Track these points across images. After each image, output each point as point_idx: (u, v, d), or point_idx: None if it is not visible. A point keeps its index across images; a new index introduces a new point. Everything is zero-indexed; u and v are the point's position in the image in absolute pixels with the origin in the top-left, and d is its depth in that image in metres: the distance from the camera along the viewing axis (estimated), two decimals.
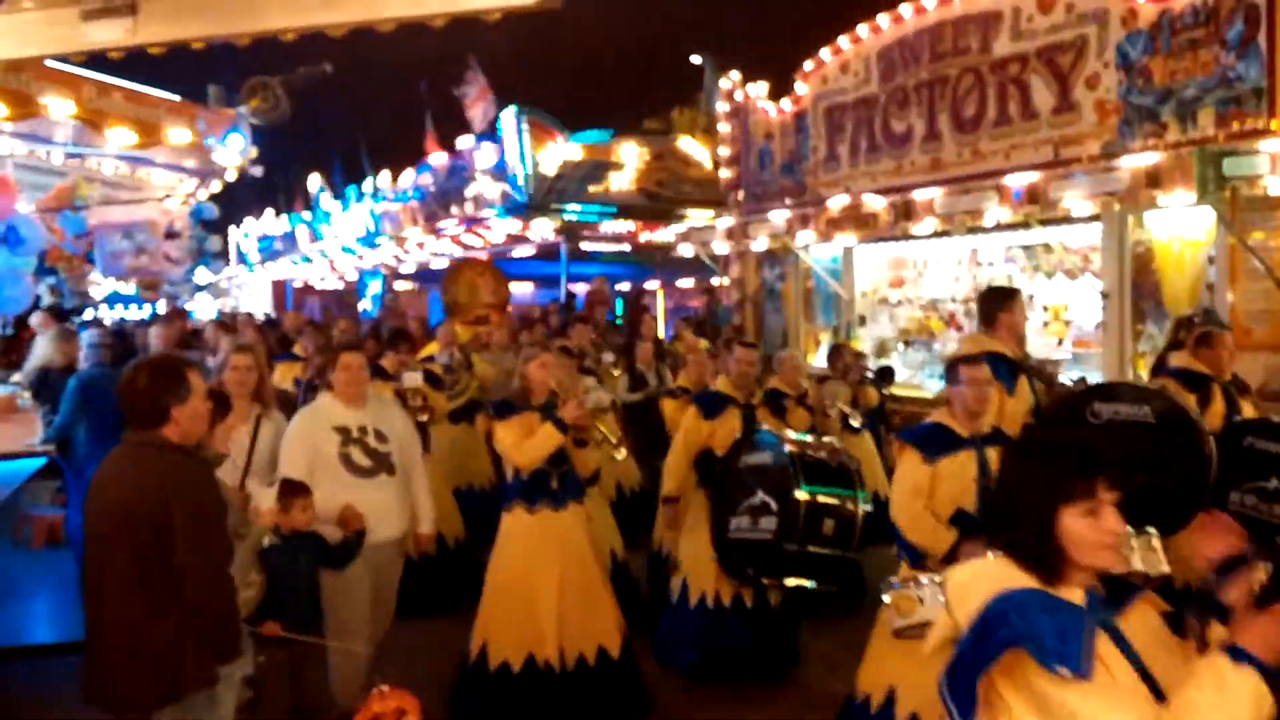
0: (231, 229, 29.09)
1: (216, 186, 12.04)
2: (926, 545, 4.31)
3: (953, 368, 4.64)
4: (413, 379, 7.34)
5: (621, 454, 5.87)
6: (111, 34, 4.23)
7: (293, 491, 4.56)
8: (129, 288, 17.20)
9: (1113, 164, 8.23)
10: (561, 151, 15.71)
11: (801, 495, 5.26)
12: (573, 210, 15.87)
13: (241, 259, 30.14)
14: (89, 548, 3.41)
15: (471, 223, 17.10)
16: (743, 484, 5.62)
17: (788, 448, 5.53)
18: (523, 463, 5.14)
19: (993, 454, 4.39)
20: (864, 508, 5.44)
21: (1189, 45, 8.29)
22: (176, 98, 8.95)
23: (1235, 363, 7.90)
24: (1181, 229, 8.53)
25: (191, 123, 8.63)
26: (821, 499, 5.30)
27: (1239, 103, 7.95)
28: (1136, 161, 7.99)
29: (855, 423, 7.85)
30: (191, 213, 13.77)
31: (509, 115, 15.55)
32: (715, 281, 15.56)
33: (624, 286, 19.50)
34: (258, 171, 10.48)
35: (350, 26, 4.11)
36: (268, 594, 4.43)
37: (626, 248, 17.65)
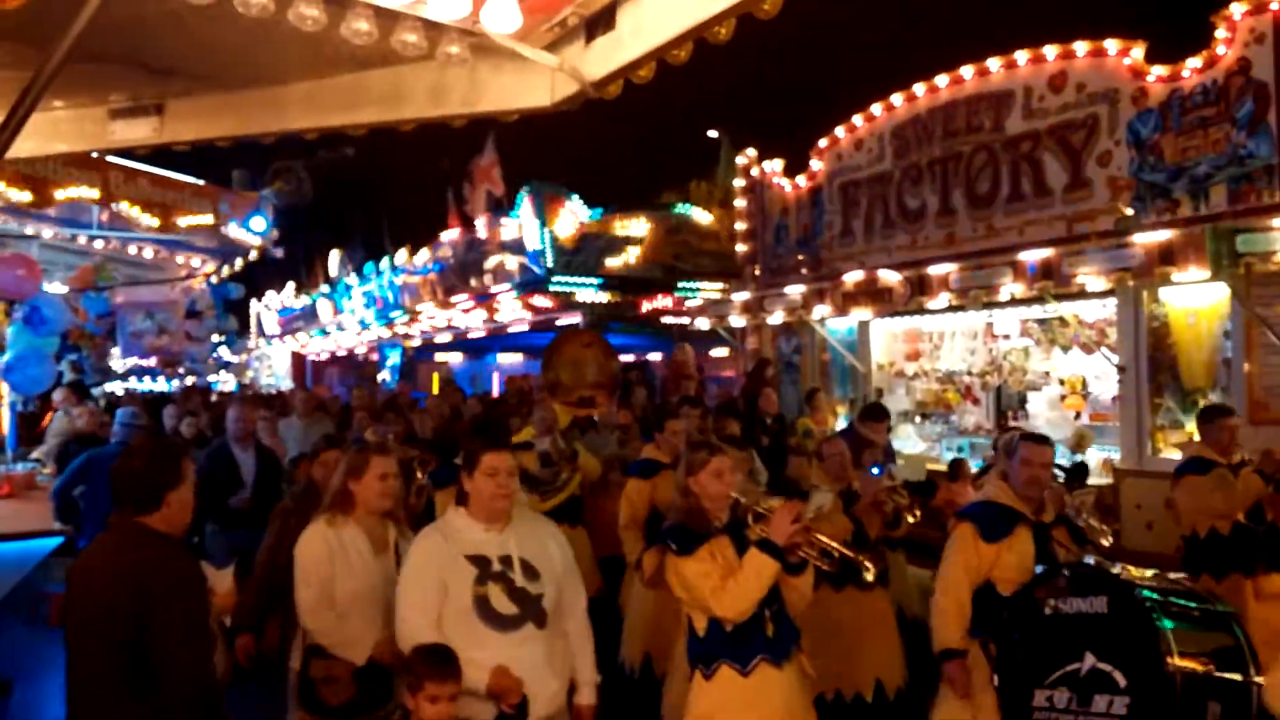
0: (252, 302, 29.50)
1: (238, 265, 12.26)
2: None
3: None
4: (543, 443, 6.13)
5: (871, 576, 4.11)
6: (138, 132, 4.35)
7: (431, 668, 3.35)
8: (150, 361, 17.41)
9: (1126, 240, 8.26)
10: (579, 225, 15.90)
11: (1177, 663, 3.70)
12: (588, 285, 15.96)
13: (262, 332, 30.52)
14: (68, 634, 3.33)
15: (489, 297, 17.27)
16: (1055, 640, 4.02)
17: (1138, 588, 3.96)
18: (731, 613, 3.71)
19: None
20: (1258, 677, 3.71)
21: (1199, 123, 8.38)
22: (200, 182, 9.15)
23: (1251, 437, 7.90)
24: (1196, 303, 8.53)
25: (215, 206, 8.81)
26: (1200, 667, 3.72)
27: (1251, 179, 8.01)
28: (1149, 238, 8.02)
29: (1106, 541, 5.16)
30: (214, 292, 13.97)
31: (526, 191, 15.80)
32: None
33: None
34: (279, 252, 10.64)
35: (372, 127, 4.21)
36: None
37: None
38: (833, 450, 5.95)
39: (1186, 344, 8.66)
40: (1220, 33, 8.20)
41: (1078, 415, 10.10)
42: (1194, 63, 8.42)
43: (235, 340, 19.39)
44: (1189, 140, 8.48)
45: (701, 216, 16.87)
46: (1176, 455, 8.62)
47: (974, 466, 9.89)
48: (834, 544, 3.90)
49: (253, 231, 9.25)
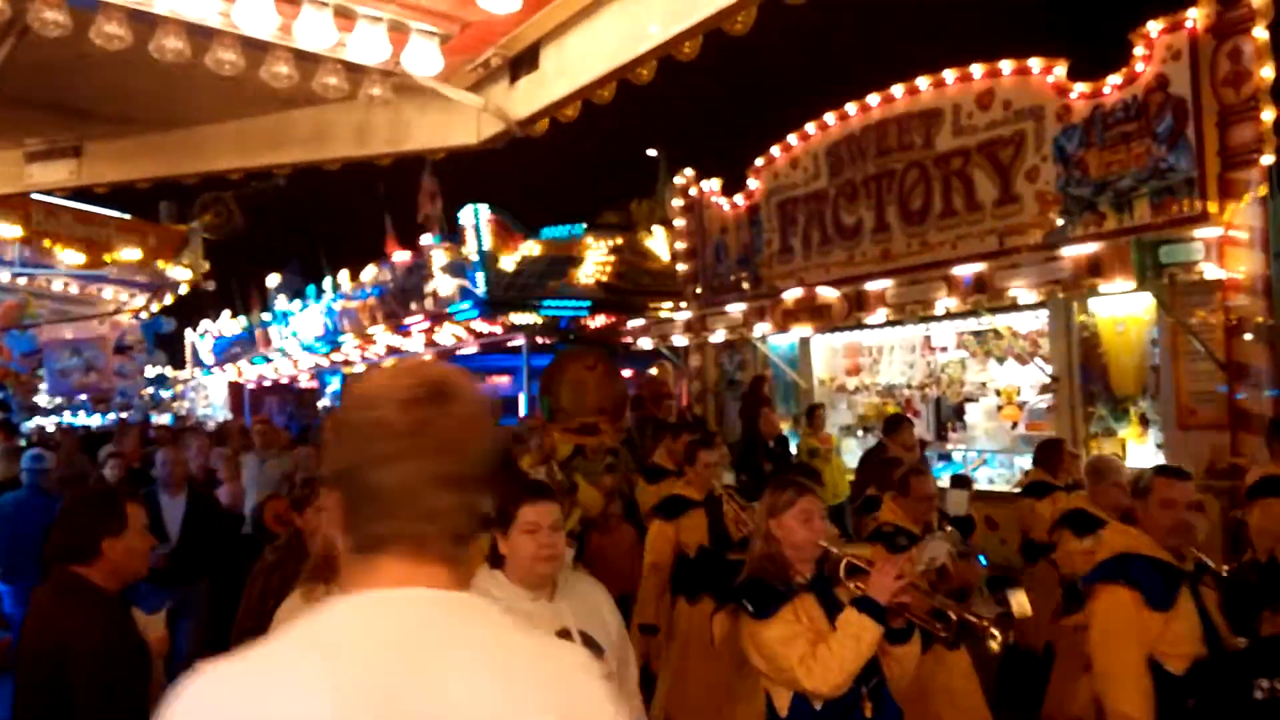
0: (187, 331, 28.94)
1: (169, 299, 11.96)
2: None
3: None
4: (538, 473, 5.53)
5: (996, 644, 3.25)
6: (55, 175, 4.24)
7: None
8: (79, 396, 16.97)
9: (1055, 253, 8.44)
10: (521, 248, 15.85)
11: None
12: (548, 307, 15.88)
13: (198, 361, 29.90)
14: (15, 684, 3.29)
15: (435, 319, 17.14)
16: None
17: None
18: (824, 687, 3.07)
19: None
20: None
21: (1122, 139, 8.60)
22: (127, 216, 8.92)
23: (1181, 443, 8.09)
24: (1124, 313, 8.74)
25: (143, 240, 8.59)
26: None
27: (1172, 192, 8.23)
28: (1077, 250, 8.20)
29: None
30: (145, 327, 13.63)
31: (468, 213, 15.72)
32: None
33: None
34: (210, 286, 10.41)
35: (297, 166, 4.15)
36: None
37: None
38: (924, 491, 4.82)
39: (1116, 353, 8.87)
40: (1139, 50, 8.44)
41: (1014, 425, 10.27)
42: (1114, 79, 8.65)
43: (167, 381, 18.92)
44: (1112, 155, 8.70)
45: (644, 237, 16.91)
46: None
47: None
48: (950, 603, 3.18)
49: (183, 265, 9.05)
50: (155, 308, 12.31)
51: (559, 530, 3.04)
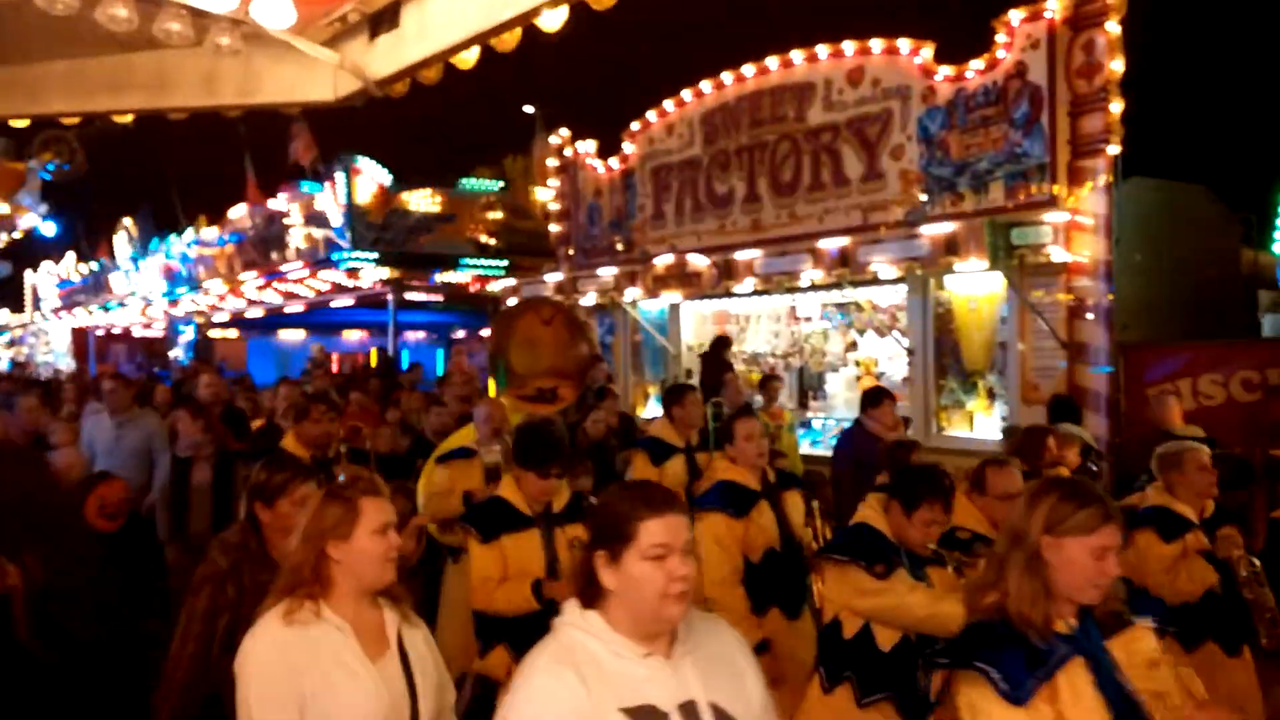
0: (27, 273, 27.12)
1: (2, 241, 11.12)
2: None
3: None
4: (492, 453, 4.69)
5: None
6: None
7: None
8: None
9: (915, 231, 8.71)
10: (389, 201, 15.45)
11: None
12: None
13: (38, 305, 28.07)
14: None
15: (279, 274, 16.60)
16: None
17: None
18: None
19: None
20: None
21: (981, 122, 8.91)
22: None
23: (1024, 417, 8.53)
24: (977, 291, 9.10)
25: None
26: None
27: (1025, 177, 8.58)
28: (936, 229, 8.48)
29: None
30: None
31: (337, 163, 15.21)
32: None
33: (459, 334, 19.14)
34: (50, 229, 9.73)
35: (138, 113, 3.90)
36: None
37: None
38: (1005, 488, 3.87)
39: (968, 329, 9.24)
40: (1000, 37, 8.72)
41: None
42: (977, 64, 8.93)
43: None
44: (972, 138, 9.01)
45: (518, 194, 16.72)
46: (958, 433, 9.22)
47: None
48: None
49: (18, 207, 8.42)
50: None
51: (691, 554, 2.13)
